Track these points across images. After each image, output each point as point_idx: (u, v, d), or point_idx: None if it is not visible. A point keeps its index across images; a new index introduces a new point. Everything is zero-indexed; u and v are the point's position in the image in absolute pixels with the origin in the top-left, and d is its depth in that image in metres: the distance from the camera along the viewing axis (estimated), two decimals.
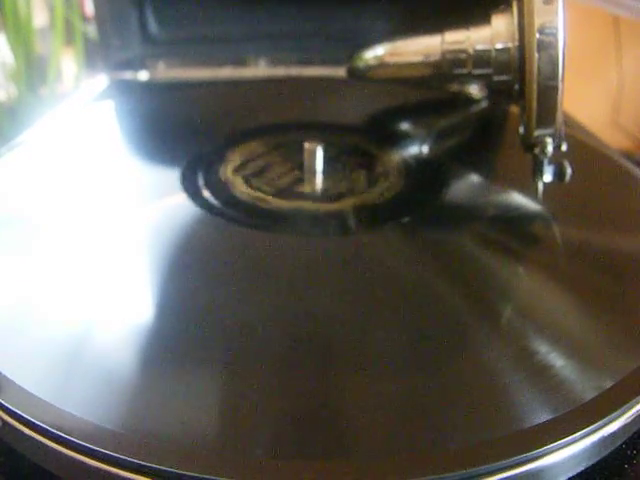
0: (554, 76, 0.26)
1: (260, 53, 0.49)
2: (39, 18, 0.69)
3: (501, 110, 0.39)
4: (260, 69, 0.49)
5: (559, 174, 0.28)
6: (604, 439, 0.17)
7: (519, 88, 0.29)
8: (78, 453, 0.16)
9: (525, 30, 0.26)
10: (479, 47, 0.30)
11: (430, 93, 0.40)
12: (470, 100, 0.40)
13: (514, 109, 0.33)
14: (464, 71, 0.31)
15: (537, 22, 0.26)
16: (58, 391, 0.18)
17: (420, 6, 0.47)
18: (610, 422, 0.17)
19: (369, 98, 0.41)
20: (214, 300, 0.22)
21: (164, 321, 0.21)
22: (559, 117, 0.27)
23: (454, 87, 0.39)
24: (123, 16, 0.47)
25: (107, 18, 0.47)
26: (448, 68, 0.32)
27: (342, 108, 0.40)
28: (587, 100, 0.63)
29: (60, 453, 0.16)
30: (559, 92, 0.26)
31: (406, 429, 0.17)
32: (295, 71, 0.48)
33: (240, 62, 0.49)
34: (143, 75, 0.48)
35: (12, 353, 0.19)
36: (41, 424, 0.17)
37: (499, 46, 0.29)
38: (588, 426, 0.17)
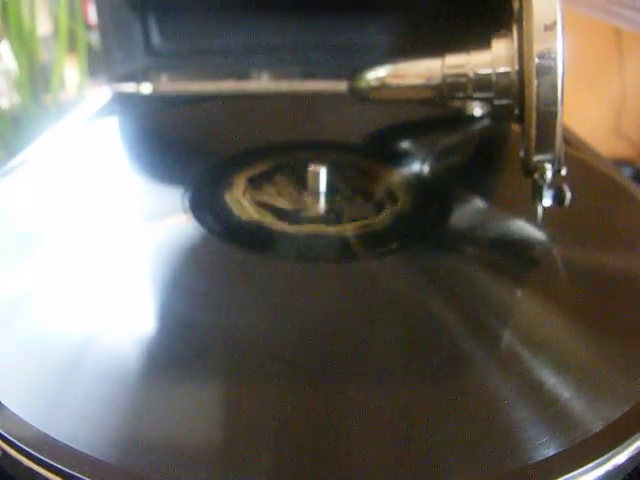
0: (553, 102, 0.26)
1: (263, 66, 0.49)
2: (43, 27, 0.69)
3: (506, 129, 0.38)
4: (263, 82, 0.49)
5: (559, 198, 0.28)
6: (612, 472, 0.17)
7: (519, 112, 0.29)
8: None
9: (525, 56, 0.26)
10: (479, 71, 0.30)
11: (435, 112, 0.40)
12: (474, 118, 0.40)
13: (518, 127, 0.33)
14: (464, 95, 0.31)
15: (536, 48, 0.26)
16: (58, 423, 0.18)
17: (422, 20, 0.47)
18: (618, 454, 0.17)
19: (373, 116, 0.41)
20: (213, 323, 0.22)
21: (164, 344, 0.21)
22: (558, 142, 0.27)
23: (458, 104, 0.39)
24: (126, 29, 0.48)
25: (110, 30, 0.47)
26: (448, 91, 0.32)
27: (346, 126, 0.40)
28: (589, 109, 0.63)
29: None
30: (558, 118, 0.26)
31: (407, 460, 0.17)
32: (298, 84, 0.48)
33: (243, 75, 0.49)
34: (146, 88, 0.48)
35: (12, 383, 0.19)
36: (39, 455, 0.17)
37: (499, 70, 0.29)
38: (596, 459, 0.17)
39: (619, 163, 0.55)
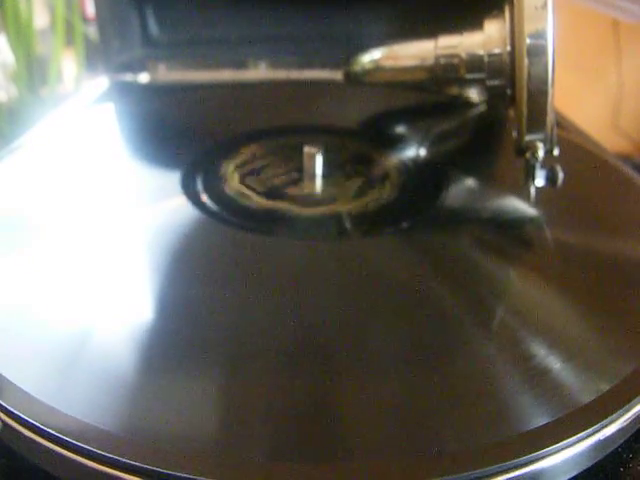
0: (544, 81, 0.26)
1: (260, 56, 0.49)
2: (40, 19, 0.69)
3: (500, 114, 0.39)
4: (260, 72, 0.49)
5: (551, 179, 0.28)
6: (601, 442, 0.17)
7: (511, 93, 0.29)
8: (77, 455, 0.16)
9: (516, 35, 0.26)
10: (471, 52, 0.31)
11: (430, 97, 0.41)
12: (469, 104, 0.40)
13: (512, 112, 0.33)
14: (457, 75, 0.31)
15: (527, 28, 0.26)
16: (58, 393, 0.18)
17: (418, 10, 0.47)
18: (607, 425, 0.17)
19: (369, 101, 0.41)
20: (212, 303, 0.22)
21: (163, 323, 0.21)
22: (550, 122, 0.27)
23: (453, 91, 0.39)
24: (124, 18, 0.48)
25: (108, 20, 0.47)
26: (441, 72, 0.32)
27: (342, 111, 0.40)
28: (587, 102, 0.64)
29: (60, 455, 0.17)
30: (549, 97, 0.26)
31: (404, 432, 0.17)
32: (295, 74, 0.48)
33: (240, 65, 0.49)
34: (144, 77, 0.48)
35: (12, 355, 0.19)
36: (41, 426, 0.17)
37: (491, 51, 0.30)
38: (585, 429, 0.17)
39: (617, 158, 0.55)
